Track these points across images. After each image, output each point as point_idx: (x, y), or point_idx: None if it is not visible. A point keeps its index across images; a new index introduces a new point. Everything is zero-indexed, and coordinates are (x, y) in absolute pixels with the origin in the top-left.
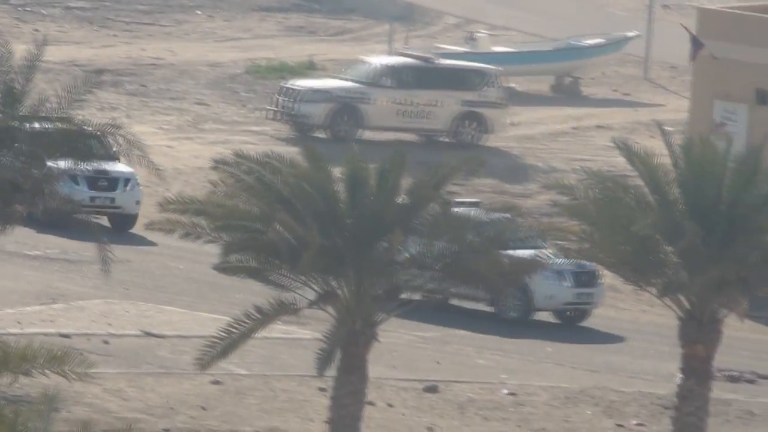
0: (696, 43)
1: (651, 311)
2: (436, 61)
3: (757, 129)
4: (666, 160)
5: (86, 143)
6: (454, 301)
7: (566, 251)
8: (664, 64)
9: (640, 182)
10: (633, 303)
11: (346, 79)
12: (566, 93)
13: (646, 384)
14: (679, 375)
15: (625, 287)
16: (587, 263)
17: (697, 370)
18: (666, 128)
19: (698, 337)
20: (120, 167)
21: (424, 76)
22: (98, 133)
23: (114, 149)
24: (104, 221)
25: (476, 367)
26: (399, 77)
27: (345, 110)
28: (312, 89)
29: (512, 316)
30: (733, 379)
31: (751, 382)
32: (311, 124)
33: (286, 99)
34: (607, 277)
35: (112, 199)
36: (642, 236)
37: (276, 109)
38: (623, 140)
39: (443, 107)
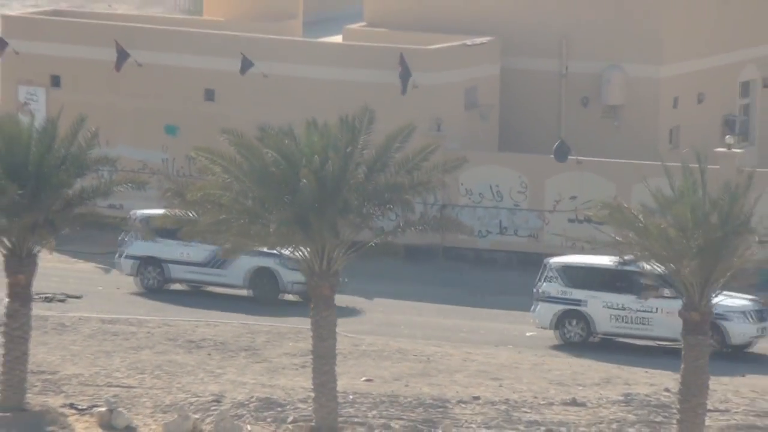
0: (1, 43)
1: None
2: None
3: (53, 106)
4: None
5: None
6: None
7: None
8: None
9: None
10: None
11: None
12: None
13: None
14: (7, 299)
15: None
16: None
17: (20, 294)
18: None
19: (19, 269)
20: None
21: None
22: None
23: None
24: None
25: None
26: None
27: None
28: None
29: None
30: (47, 300)
31: (62, 301)
32: None
33: None
34: None
35: None
36: None
37: None
38: None
39: None
